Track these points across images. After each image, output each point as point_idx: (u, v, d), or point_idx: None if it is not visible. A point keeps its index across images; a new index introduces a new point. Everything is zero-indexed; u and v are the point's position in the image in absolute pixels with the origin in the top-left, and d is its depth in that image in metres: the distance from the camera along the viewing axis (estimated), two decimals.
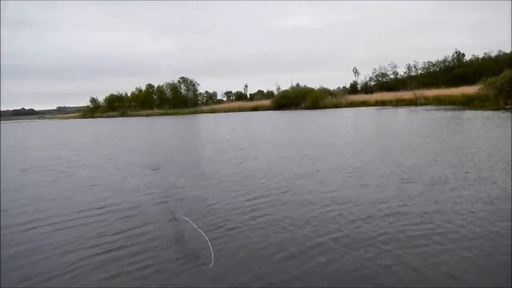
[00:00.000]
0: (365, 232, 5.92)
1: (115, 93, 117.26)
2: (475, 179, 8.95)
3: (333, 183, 9.27)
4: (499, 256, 4.87)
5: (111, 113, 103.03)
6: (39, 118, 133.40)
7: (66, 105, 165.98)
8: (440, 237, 5.55)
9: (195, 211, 7.52)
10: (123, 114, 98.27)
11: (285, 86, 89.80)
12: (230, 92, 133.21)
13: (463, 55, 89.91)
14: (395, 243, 5.42)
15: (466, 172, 9.64)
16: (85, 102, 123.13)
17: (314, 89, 75.96)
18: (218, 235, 6.09)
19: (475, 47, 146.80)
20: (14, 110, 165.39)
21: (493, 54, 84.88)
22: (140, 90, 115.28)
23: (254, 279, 4.59)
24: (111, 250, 5.67)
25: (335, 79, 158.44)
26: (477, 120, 24.32)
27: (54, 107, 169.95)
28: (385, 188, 8.58)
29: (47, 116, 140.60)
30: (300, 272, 4.71)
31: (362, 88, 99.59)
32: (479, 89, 43.27)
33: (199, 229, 6.08)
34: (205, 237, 5.76)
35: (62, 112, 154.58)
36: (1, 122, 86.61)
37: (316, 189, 8.74)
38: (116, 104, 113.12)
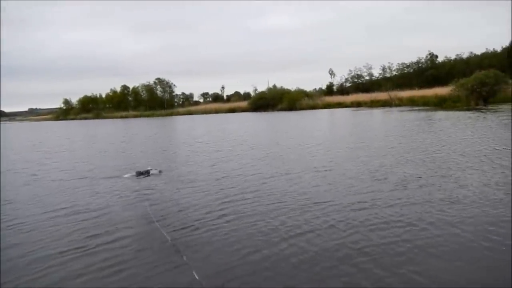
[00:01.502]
0: (336, 232, 5.91)
1: (89, 94, 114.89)
2: (444, 176, 9.11)
3: (305, 184, 9.29)
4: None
5: (85, 115, 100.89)
6: (10, 120, 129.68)
7: (38, 107, 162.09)
8: (408, 235, 5.58)
9: (166, 212, 7.42)
10: (97, 116, 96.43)
11: (262, 87, 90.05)
12: (207, 93, 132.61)
13: (436, 56, 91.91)
14: (365, 242, 5.41)
15: (435, 172, 9.79)
16: (58, 103, 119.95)
17: (290, 90, 76.30)
18: (190, 237, 6.00)
19: (448, 48, 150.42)
20: None
21: (465, 55, 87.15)
22: (115, 92, 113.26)
23: (226, 280, 4.51)
24: (80, 252, 5.49)
25: (312, 80, 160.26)
26: (448, 121, 24.83)
27: (26, 109, 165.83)
28: (356, 188, 8.65)
29: (18, 118, 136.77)
30: (271, 274, 4.65)
31: (338, 89, 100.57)
32: (451, 90, 44.23)
33: (161, 229, 5.98)
34: (167, 237, 5.66)
35: (33, 113, 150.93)
36: None
37: (288, 190, 8.74)
38: (90, 105, 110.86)
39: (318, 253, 5.21)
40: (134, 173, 11.44)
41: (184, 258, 5.13)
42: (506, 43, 72.50)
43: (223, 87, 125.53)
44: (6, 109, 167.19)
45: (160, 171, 11.77)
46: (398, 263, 4.75)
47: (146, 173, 11.40)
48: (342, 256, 5.02)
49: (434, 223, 6.08)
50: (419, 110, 40.06)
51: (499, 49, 76.77)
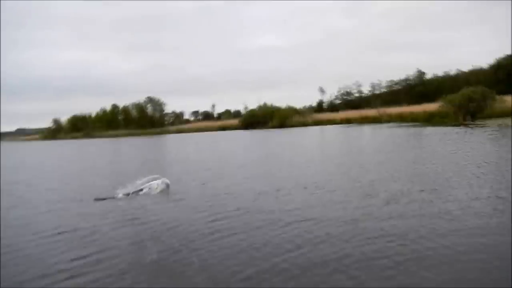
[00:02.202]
0: (328, 246, 5.89)
1: (79, 113, 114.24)
2: (433, 191, 9.16)
3: (294, 202, 9.23)
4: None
5: (74, 134, 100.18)
6: None
7: (27, 126, 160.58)
8: (394, 253, 5.55)
9: (154, 232, 7.34)
10: (87, 136, 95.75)
11: (253, 105, 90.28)
12: (197, 111, 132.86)
13: (424, 73, 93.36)
14: (353, 261, 5.36)
15: (424, 187, 9.83)
16: (47, 123, 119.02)
17: (281, 108, 76.80)
18: (178, 255, 5.93)
19: (436, 66, 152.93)
20: None
21: (452, 72, 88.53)
22: (104, 111, 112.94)
23: None
24: (65, 274, 5.37)
25: (302, 98, 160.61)
26: (436, 136, 25.09)
27: (14, 129, 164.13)
28: (347, 203, 8.64)
29: (7, 138, 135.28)
30: None
31: (328, 106, 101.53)
32: (439, 106, 44.89)
33: (149, 249, 5.87)
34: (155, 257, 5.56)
35: (22, 134, 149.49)
36: None
37: (277, 208, 8.66)
38: (80, 125, 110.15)
39: (310, 267, 5.17)
40: (123, 192, 11.23)
41: (173, 278, 5.04)
42: (492, 61, 73.82)
43: (213, 105, 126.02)
44: None
45: (164, 184, 11.56)
46: (391, 275, 4.76)
47: (137, 191, 11.19)
48: (334, 269, 5.00)
49: (426, 236, 6.09)
50: (408, 126, 40.46)
51: (485, 66, 78.12)
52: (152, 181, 11.55)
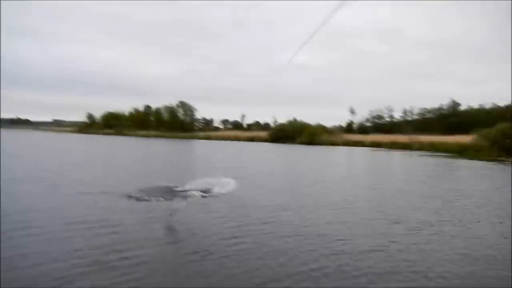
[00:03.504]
0: (344, 274, 5.86)
1: (112, 110, 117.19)
2: (457, 226, 9.05)
3: (318, 219, 9.31)
4: None
5: (106, 131, 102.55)
6: (34, 129, 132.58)
7: (62, 118, 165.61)
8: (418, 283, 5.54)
9: (180, 235, 7.67)
10: (118, 133, 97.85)
11: (282, 119, 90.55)
12: (227, 120, 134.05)
13: (459, 104, 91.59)
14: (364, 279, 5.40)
15: (449, 220, 9.69)
16: (81, 117, 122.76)
17: (311, 125, 76.59)
18: (201, 261, 6.11)
19: (470, 98, 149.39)
20: (10, 119, 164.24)
21: (488, 106, 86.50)
22: (137, 110, 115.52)
23: None
24: (92, 267, 5.63)
25: (332, 117, 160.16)
26: (467, 170, 24.57)
27: (50, 119, 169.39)
28: (368, 228, 8.65)
29: (41, 127, 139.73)
30: None
31: (358, 128, 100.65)
32: (473, 139, 43.86)
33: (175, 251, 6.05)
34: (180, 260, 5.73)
35: (57, 125, 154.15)
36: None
37: (300, 224, 8.78)
38: (112, 122, 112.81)
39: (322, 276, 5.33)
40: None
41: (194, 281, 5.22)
42: None
43: (243, 116, 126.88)
44: (31, 118, 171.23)
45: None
46: None
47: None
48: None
49: (443, 275, 5.95)
50: (439, 156, 39.68)
51: None
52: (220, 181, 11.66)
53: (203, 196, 11.45)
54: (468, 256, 6.93)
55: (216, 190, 12.32)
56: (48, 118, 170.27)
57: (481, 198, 13.34)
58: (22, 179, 14.32)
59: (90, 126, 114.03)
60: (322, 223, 8.88)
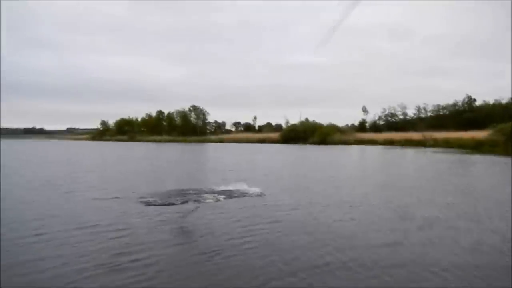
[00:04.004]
0: (354, 270, 5.80)
1: (125, 117, 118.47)
2: (470, 221, 8.87)
3: (327, 218, 9.25)
4: None
5: (120, 137, 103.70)
6: (48, 138, 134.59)
7: (76, 126, 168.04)
8: (431, 276, 5.40)
9: (189, 236, 7.66)
10: (132, 139, 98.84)
11: (294, 120, 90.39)
12: (239, 122, 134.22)
13: (474, 100, 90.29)
14: (386, 282, 5.29)
15: (461, 216, 9.50)
16: (95, 124, 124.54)
17: (323, 125, 76.22)
18: (210, 262, 6.08)
19: (482, 93, 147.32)
20: (24, 129, 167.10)
21: (504, 101, 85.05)
22: (150, 116, 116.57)
23: None
24: (102, 269, 5.63)
25: (344, 116, 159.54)
26: (482, 165, 24.17)
27: (64, 128, 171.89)
28: (379, 225, 8.54)
29: (56, 136, 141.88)
30: None
31: (370, 126, 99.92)
32: (489, 135, 43.18)
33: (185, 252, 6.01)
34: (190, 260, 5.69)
35: (72, 133, 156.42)
36: (13, 139, 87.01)
37: (310, 223, 8.75)
38: (126, 128, 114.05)
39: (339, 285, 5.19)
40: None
41: (203, 281, 5.20)
42: None
43: (255, 118, 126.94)
44: (46, 126, 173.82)
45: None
46: None
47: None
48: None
49: (452, 268, 5.87)
50: (454, 152, 39.12)
51: None
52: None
53: (215, 199, 11.49)
54: (479, 250, 6.79)
55: (229, 192, 12.46)
56: (62, 126, 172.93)
57: (494, 194, 13.06)
58: (37, 187, 14.49)
59: (103, 133, 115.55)
60: (331, 221, 8.84)
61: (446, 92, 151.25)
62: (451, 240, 7.35)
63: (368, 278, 5.44)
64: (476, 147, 43.65)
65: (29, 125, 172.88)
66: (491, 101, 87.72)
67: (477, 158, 30.91)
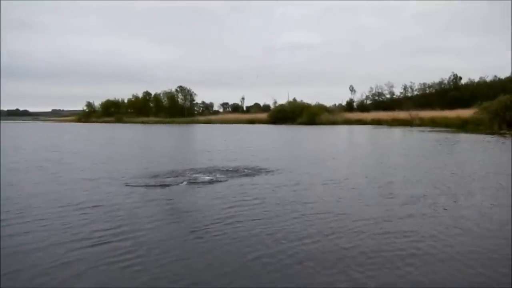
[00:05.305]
0: (341, 239, 6.11)
1: (111, 98, 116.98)
2: (451, 196, 9.13)
3: (313, 195, 9.45)
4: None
5: (106, 119, 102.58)
6: (33, 119, 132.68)
7: (61, 108, 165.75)
8: (415, 243, 5.57)
9: (174, 215, 7.74)
10: (118, 120, 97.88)
11: (282, 100, 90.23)
12: (227, 103, 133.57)
13: (460, 78, 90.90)
14: (363, 256, 5.45)
15: (444, 192, 9.73)
16: (80, 106, 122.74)
17: (311, 105, 76.20)
18: (196, 240, 6.17)
19: (470, 71, 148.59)
20: (8, 111, 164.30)
21: (489, 79, 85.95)
22: (137, 97, 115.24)
23: (230, 280, 4.67)
24: (86, 243, 5.68)
25: (332, 96, 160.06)
26: (467, 144, 24.58)
27: (49, 109, 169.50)
28: (363, 202, 8.77)
29: (41, 118, 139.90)
30: (278, 275, 4.80)
31: (358, 106, 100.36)
32: (474, 113, 43.63)
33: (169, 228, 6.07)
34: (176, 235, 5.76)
35: (57, 115, 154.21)
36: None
37: (295, 200, 8.93)
38: (112, 109, 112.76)
39: (325, 258, 5.35)
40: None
41: (191, 258, 5.31)
42: None
43: (243, 98, 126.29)
44: (30, 108, 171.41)
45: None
46: (406, 270, 4.91)
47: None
48: (349, 262, 5.22)
49: (437, 235, 6.28)
50: (439, 131, 39.61)
51: None
52: None
53: (204, 180, 11.57)
54: (461, 227, 6.93)
55: (218, 172, 12.53)
56: (47, 108, 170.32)
57: (478, 170, 13.35)
58: (22, 169, 14.40)
59: (89, 115, 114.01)
60: (316, 198, 9.07)
61: (432, 70, 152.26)
62: (432, 216, 7.55)
63: (354, 246, 5.58)
64: (462, 125, 44.15)
65: (12, 107, 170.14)
66: (476, 79, 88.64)
67: (462, 136, 31.37)
